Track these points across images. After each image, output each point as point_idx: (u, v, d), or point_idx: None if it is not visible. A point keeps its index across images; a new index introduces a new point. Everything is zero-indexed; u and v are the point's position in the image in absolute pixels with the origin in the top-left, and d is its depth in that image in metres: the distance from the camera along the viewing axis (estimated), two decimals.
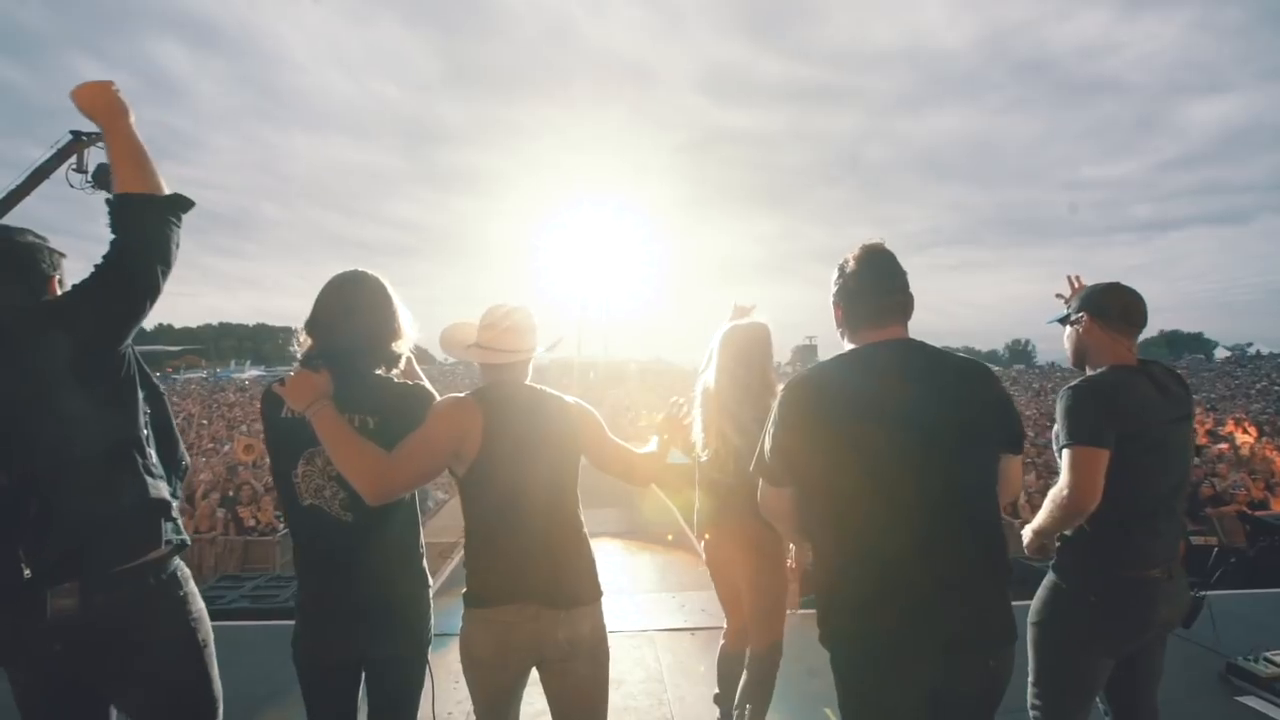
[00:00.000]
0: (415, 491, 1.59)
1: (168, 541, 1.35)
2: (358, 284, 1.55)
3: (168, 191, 1.36)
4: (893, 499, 1.25)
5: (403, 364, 1.62)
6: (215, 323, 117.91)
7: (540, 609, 1.49)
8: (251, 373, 52.76)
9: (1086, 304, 1.78)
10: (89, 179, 7.32)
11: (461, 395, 1.59)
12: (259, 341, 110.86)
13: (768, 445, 1.37)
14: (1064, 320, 1.86)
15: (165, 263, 1.33)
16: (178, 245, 1.37)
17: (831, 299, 1.48)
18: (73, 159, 6.81)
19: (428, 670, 1.60)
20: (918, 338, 1.43)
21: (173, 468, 1.45)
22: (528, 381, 1.70)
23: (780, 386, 2.27)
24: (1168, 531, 1.65)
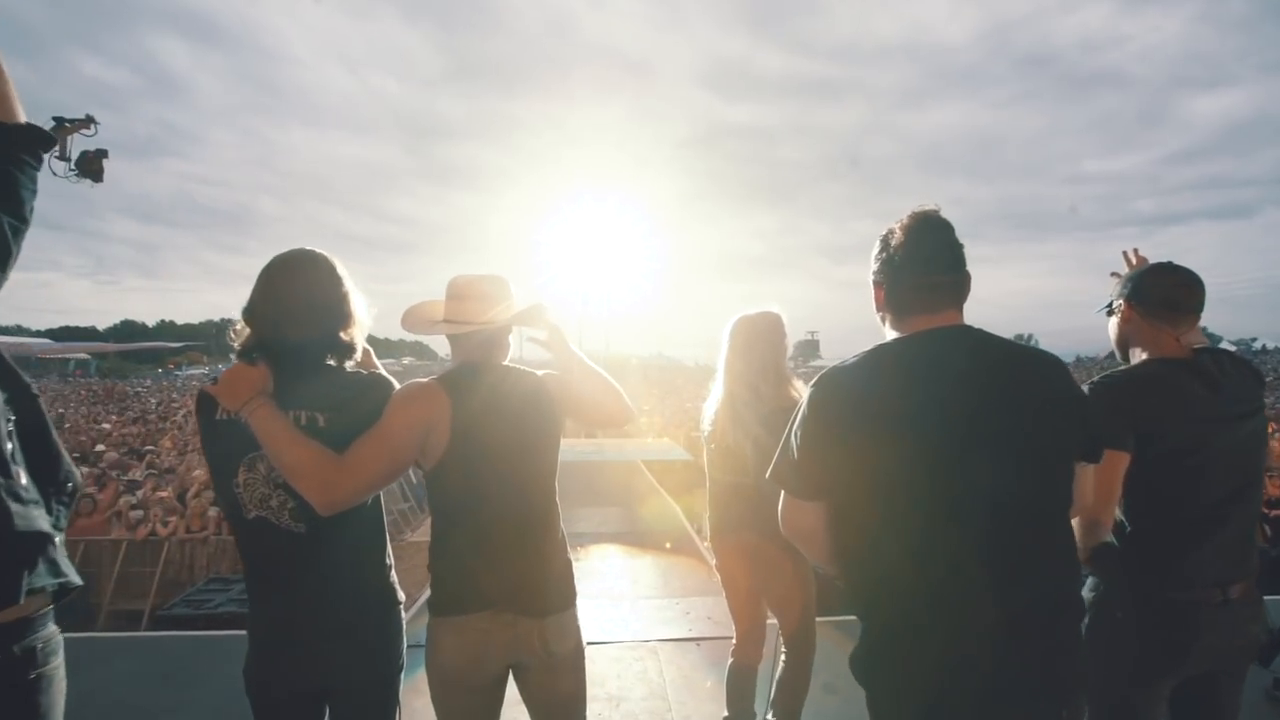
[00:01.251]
0: (380, 494, 1.42)
1: (37, 590, 1.01)
2: (302, 264, 1.35)
3: (22, 120, 1.06)
4: (945, 521, 1.04)
5: (358, 354, 1.43)
6: (216, 319, 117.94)
7: (517, 616, 1.38)
8: None
9: (1126, 288, 1.60)
10: (72, 167, 7.07)
11: (425, 381, 1.42)
12: None
13: (794, 451, 1.16)
14: (1108, 310, 1.66)
15: (16, 215, 1.04)
16: (33, 194, 1.07)
17: (872, 277, 1.26)
18: (55, 147, 6.58)
19: (398, 703, 1.43)
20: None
21: (53, 489, 1.12)
22: (507, 361, 1.54)
23: (800, 382, 2.16)
24: (1222, 546, 1.44)
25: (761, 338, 2.08)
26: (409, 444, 1.34)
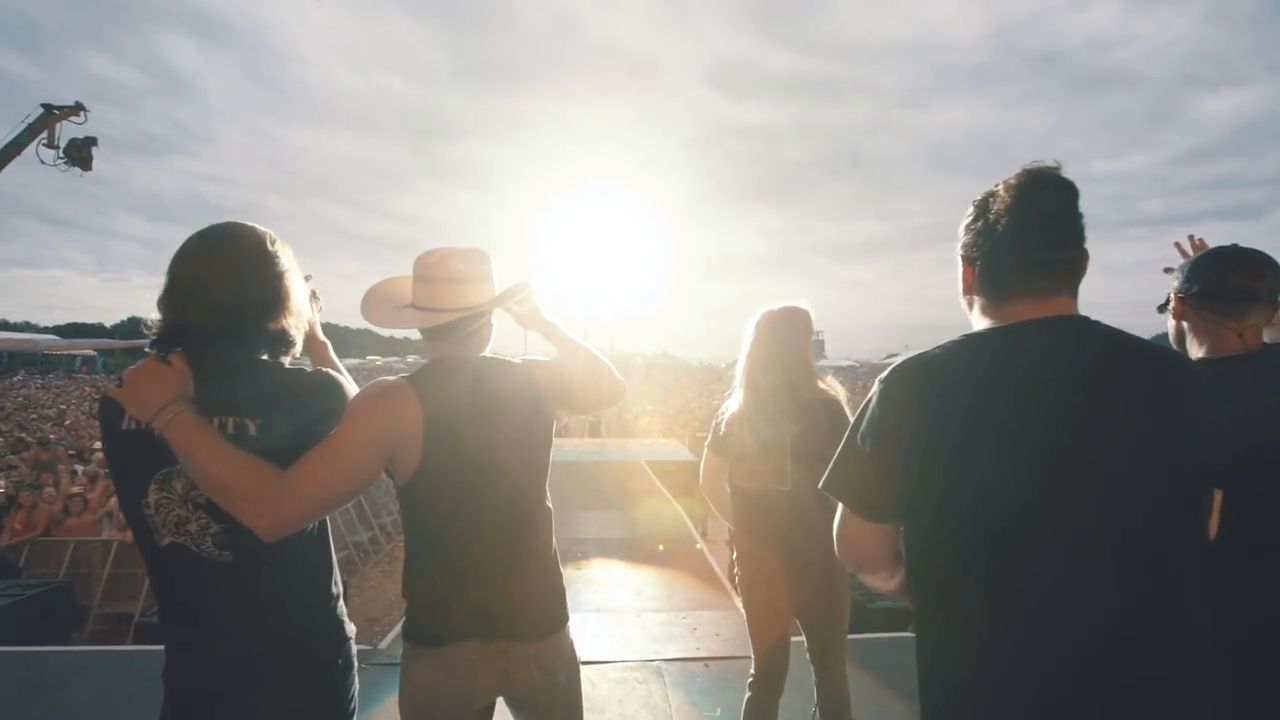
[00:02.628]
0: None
1: None
2: (224, 240, 1.14)
3: None
4: (1051, 562, 0.83)
5: (297, 348, 1.21)
6: None
7: (510, 643, 1.26)
8: None
9: (1180, 279, 1.41)
10: (61, 154, 6.91)
11: (392, 380, 1.23)
12: None
13: (860, 461, 0.95)
14: (1162, 308, 1.47)
15: None
16: None
17: (960, 250, 1.02)
18: (44, 134, 6.47)
19: None
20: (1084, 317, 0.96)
21: None
22: (486, 352, 1.35)
23: (830, 379, 1.98)
24: None
25: (793, 331, 1.94)
26: (371, 458, 1.15)
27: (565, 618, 1.35)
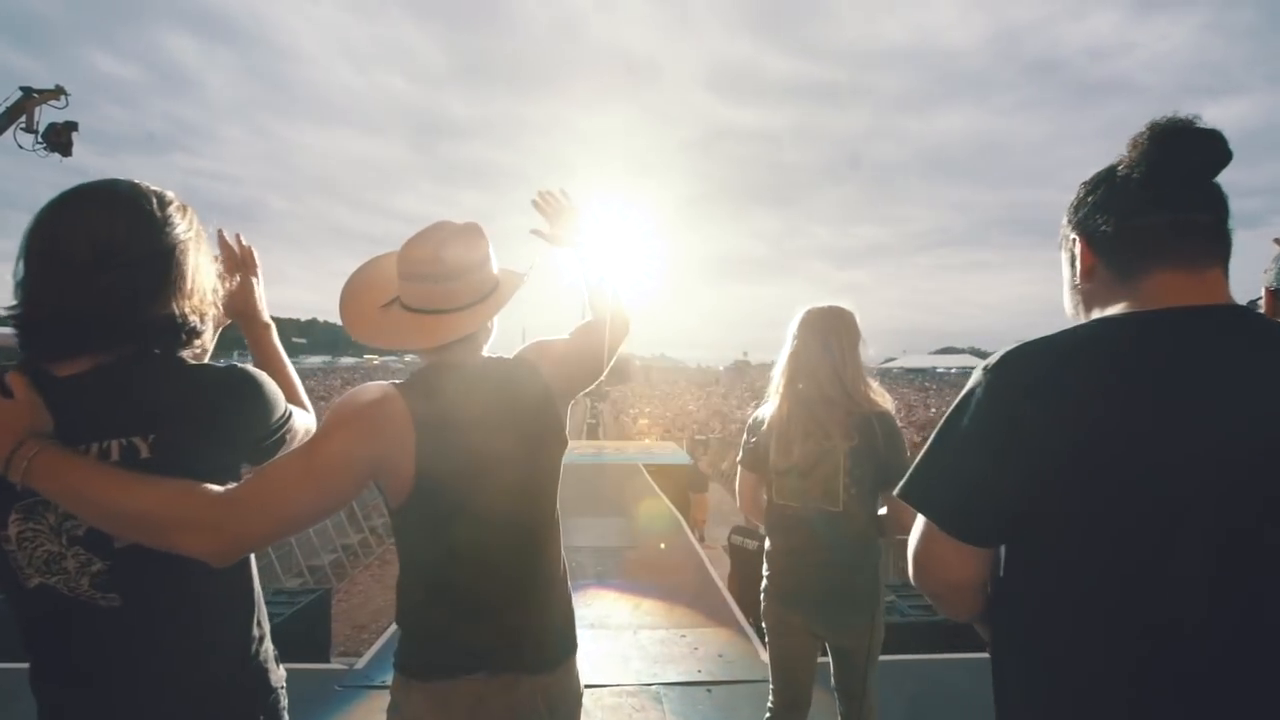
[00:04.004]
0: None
1: None
2: (92, 203, 0.88)
3: None
4: (1177, 598, 0.68)
5: (205, 338, 0.96)
6: None
7: (518, 675, 1.12)
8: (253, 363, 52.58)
9: (1273, 275, 1.31)
10: (39, 139, 6.62)
11: (380, 388, 1.04)
12: None
13: (958, 467, 0.78)
14: (1254, 303, 1.35)
15: None
16: None
17: (1066, 230, 0.85)
18: (21, 118, 6.22)
19: None
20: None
21: None
22: (485, 348, 1.19)
23: (877, 384, 1.78)
24: None
25: (844, 332, 1.73)
26: (347, 480, 0.96)
27: (575, 645, 1.22)
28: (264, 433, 0.93)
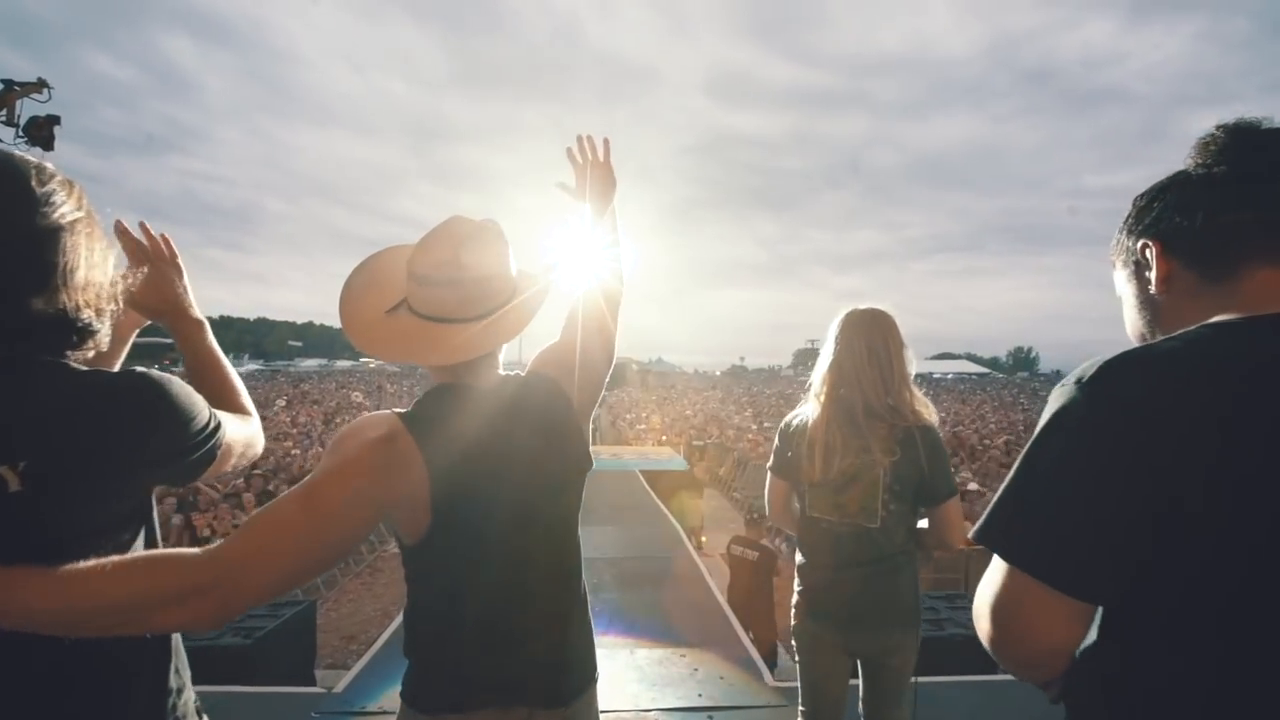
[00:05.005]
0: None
1: None
2: None
3: None
4: None
5: (100, 336, 0.81)
6: (216, 316, 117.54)
7: (533, 710, 1.05)
8: (250, 366, 52.37)
9: None
10: (20, 133, 6.45)
11: (383, 422, 0.93)
12: (259, 335, 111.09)
13: (1081, 498, 0.62)
14: None
15: None
16: None
17: (1133, 242, 0.78)
18: (2, 111, 6.03)
19: None
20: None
21: None
22: (499, 362, 1.11)
23: (921, 394, 1.66)
24: None
25: (889, 338, 1.62)
26: (350, 530, 0.86)
27: (595, 673, 1.14)
28: (176, 449, 0.79)
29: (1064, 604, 0.63)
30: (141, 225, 1.02)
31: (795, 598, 1.72)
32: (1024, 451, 0.67)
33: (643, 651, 3.26)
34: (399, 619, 4.69)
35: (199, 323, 1.04)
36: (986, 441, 13.13)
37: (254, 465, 9.91)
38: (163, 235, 1.03)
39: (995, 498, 0.67)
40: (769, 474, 1.79)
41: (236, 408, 0.98)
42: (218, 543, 0.77)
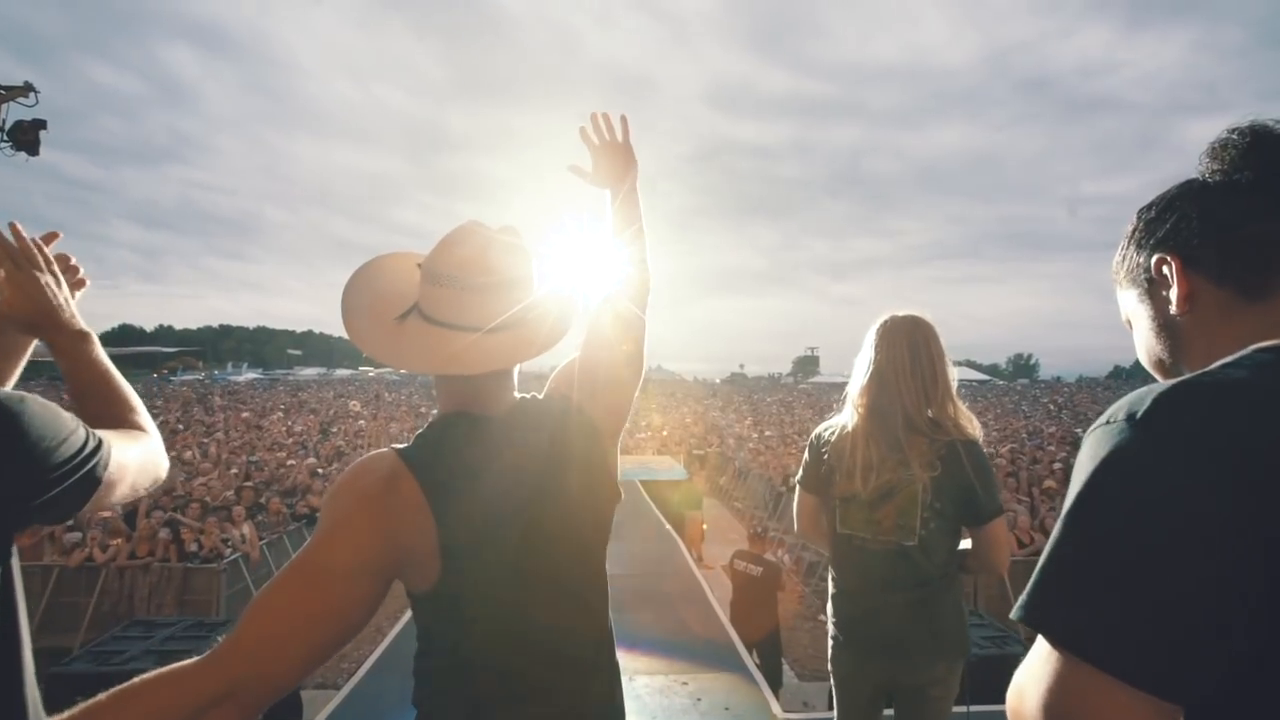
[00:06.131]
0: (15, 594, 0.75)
1: None
2: None
3: None
4: None
5: None
6: (216, 325, 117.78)
7: None
8: (248, 375, 52.33)
9: None
10: (5, 137, 6.30)
11: (384, 464, 0.83)
12: (259, 344, 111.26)
13: (1161, 574, 0.48)
14: None
15: None
16: None
17: (1148, 241, 0.71)
18: None
19: None
20: None
21: None
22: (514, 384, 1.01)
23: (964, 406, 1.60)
24: None
25: (930, 346, 1.55)
26: (362, 594, 0.78)
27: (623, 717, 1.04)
28: (36, 480, 0.67)
29: (1146, 706, 0.48)
30: (12, 226, 0.89)
31: (831, 629, 1.61)
32: (1069, 509, 0.53)
33: (642, 680, 3.10)
34: (391, 637, 4.55)
35: (82, 334, 0.91)
36: (990, 450, 12.99)
37: (246, 476, 9.75)
38: (40, 238, 0.91)
39: (1042, 567, 0.54)
40: (797, 488, 1.70)
41: (126, 424, 0.85)
42: (220, 641, 0.71)
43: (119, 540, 6.45)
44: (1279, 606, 0.46)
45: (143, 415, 0.91)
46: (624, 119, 1.14)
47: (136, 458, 0.81)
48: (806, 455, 1.66)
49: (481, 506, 0.85)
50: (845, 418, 1.58)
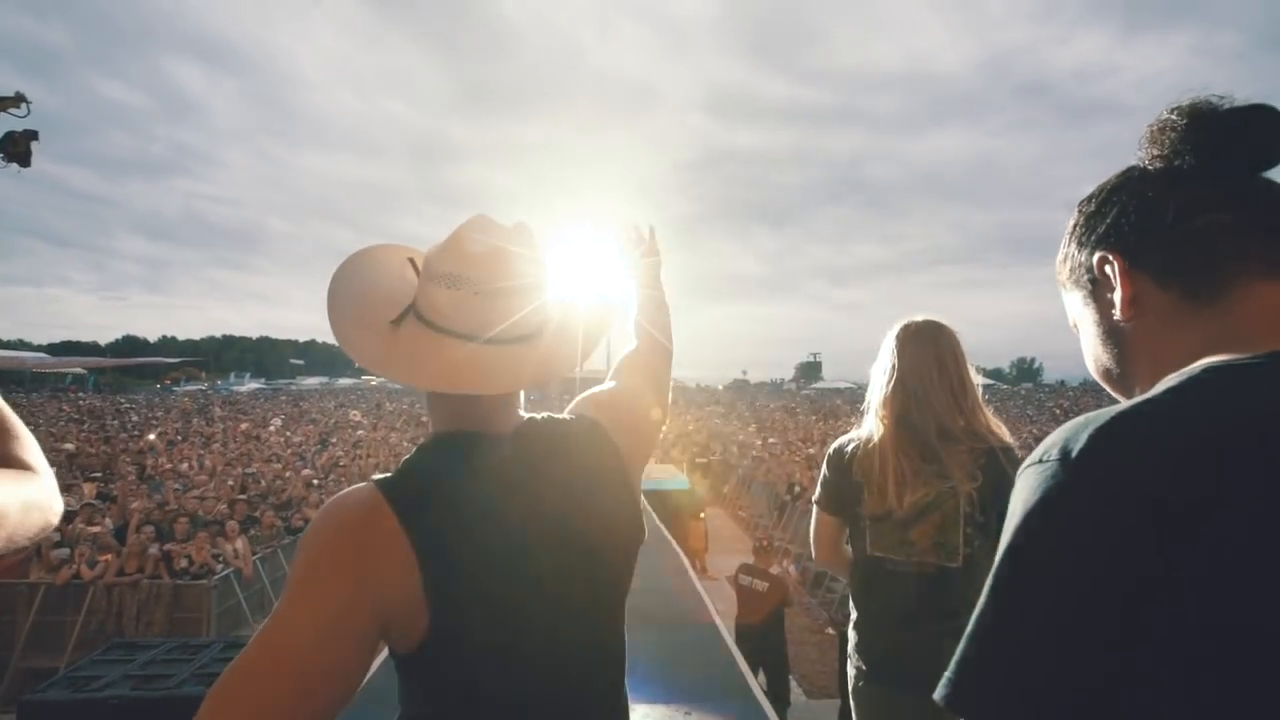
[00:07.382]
0: None
1: None
2: None
3: None
4: None
5: None
6: (219, 335, 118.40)
7: None
8: (251, 385, 52.46)
9: None
10: None
11: (362, 501, 0.72)
12: (261, 354, 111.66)
13: (1088, 663, 0.39)
14: None
15: None
16: None
17: (1088, 239, 0.63)
18: None
19: None
20: None
21: None
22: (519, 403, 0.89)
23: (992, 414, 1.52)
24: None
25: (954, 351, 1.45)
26: (343, 657, 0.66)
27: None
28: None
29: None
30: None
31: (854, 658, 1.45)
32: (996, 565, 0.47)
33: (642, 708, 2.93)
34: (379, 660, 4.40)
35: None
36: None
37: (242, 489, 9.59)
38: None
39: (967, 636, 0.46)
40: (815, 509, 1.56)
41: (12, 464, 0.71)
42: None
43: (108, 556, 6.31)
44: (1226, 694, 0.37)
45: (32, 452, 0.78)
46: (652, 230, 1.19)
47: (17, 500, 0.68)
48: (825, 472, 1.52)
49: (479, 549, 0.72)
50: (868, 430, 1.45)
